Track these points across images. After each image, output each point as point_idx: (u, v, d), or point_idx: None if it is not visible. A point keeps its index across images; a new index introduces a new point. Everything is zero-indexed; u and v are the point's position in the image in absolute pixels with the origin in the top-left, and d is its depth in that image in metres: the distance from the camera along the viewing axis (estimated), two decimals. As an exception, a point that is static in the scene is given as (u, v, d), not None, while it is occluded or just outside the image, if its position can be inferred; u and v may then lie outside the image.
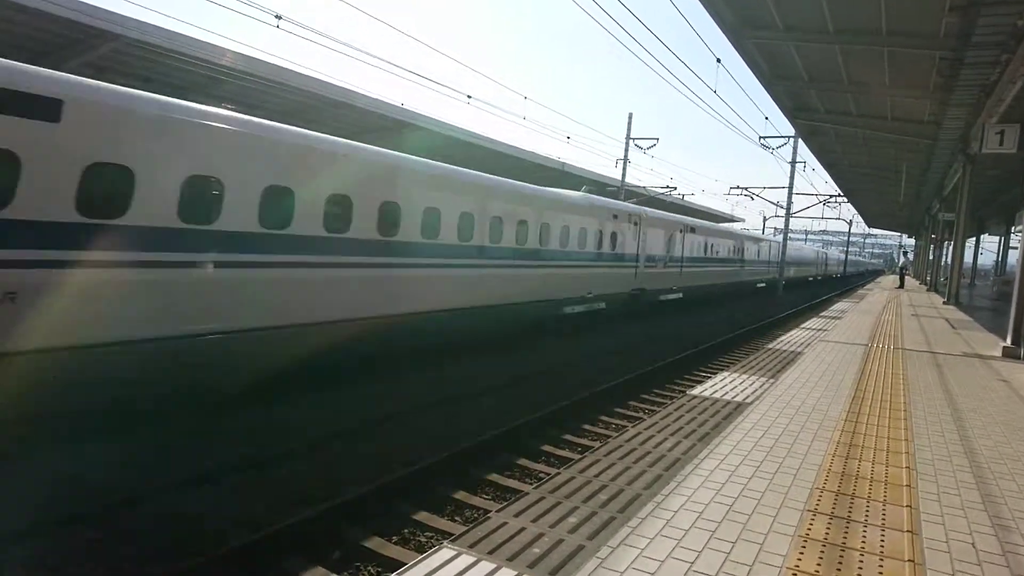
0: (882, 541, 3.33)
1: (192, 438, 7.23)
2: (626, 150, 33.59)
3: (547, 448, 7.84)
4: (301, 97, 17.02)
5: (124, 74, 14.35)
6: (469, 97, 21.93)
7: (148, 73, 14.73)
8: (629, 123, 33.99)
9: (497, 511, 3.45)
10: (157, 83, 14.94)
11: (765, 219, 53.19)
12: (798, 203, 59.37)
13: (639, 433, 4.94)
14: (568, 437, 8.35)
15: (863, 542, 3.31)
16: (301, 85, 16.21)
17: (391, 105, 19.70)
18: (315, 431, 7.68)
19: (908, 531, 3.47)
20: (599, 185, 31.01)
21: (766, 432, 5.18)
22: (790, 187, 37.33)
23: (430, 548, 5.22)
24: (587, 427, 8.86)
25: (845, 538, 3.34)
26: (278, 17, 12.15)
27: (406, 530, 5.60)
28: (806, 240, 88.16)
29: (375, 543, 5.24)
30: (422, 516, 5.81)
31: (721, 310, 26.67)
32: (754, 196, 40.29)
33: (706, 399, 6.20)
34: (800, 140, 29.99)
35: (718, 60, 15.10)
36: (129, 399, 7.19)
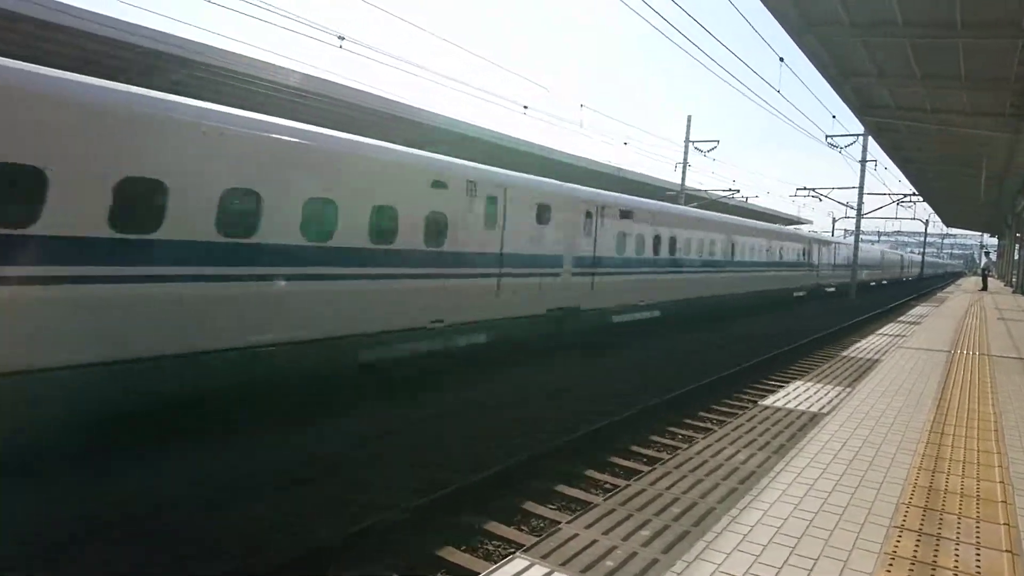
0: (978, 561, 3.16)
1: (257, 445, 7.44)
2: (685, 153, 33.11)
3: (613, 459, 7.76)
4: (360, 114, 17.51)
5: (196, 97, 15.06)
6: (525, 107, 22.11)
7: (218, 95, 15.44)
8: (688, 126, 33.50)
9: (568, 522, 3.44)
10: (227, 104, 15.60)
11: (834, 220, 51.20)
12: (869, 203, 57.05)
13: (710, 445, 4.84)
14: (635, 448, 8.24)
15: (956, 561, 3.14)
16: (361, 102, 16.69)
17: (448, 118, 20.03)
18: (378, 437, 7.82)
19: (1007, 551, 3.27)
20: (658, 190, 30.60)
21: (845, 444, 4.99)
22: (860, 187, 35.83)
23: (498, 557, 5.27)
24: (654, 438, 8.72)
25: (936, 556, 3.18)
26: (341, 38, 12.56)
27: (473, 538, 5.63)
28: (879, 241, 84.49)
29: (445, 551, 5.30)
30: (489, 525, 5.83)
31: (790, 316, 25.82)
32: (822, 197, 38.88)
33: (779, 409, 6.01)
34: (870, 138, 28.87)
35: (781, 59, 14.70)
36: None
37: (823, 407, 6.16)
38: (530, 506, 6.31)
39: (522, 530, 5.87)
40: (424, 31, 18.14)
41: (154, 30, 12.44)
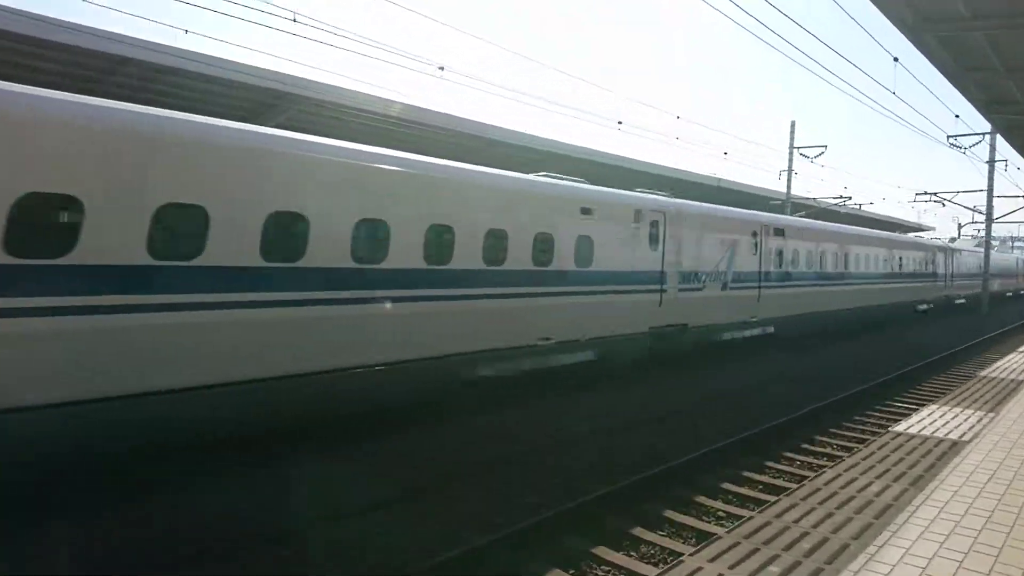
0: None
1: (357, 463, 7.60)
2: (790, 160, 31.67)
3: (726, 485, 7.44)
4: (458, 139, 18.01)
5: (308, 132, 16.04)
6: (620, 123, 22.00)
7: (328, 129, 16.34)
8: (792, 132, 32.10)
9: (691, 555, 3.33)
10: (336, 137, 16.52)
11: (960, 226, 46.99)
12: (1000, 207, 51.88)
13: (839, 475, 4.55)
14: (748, 474, 7.87)
15: None
16: (461, 128, 17.19)
17: (542, 138, 20.33)
18: (476, 458, 7.85)
19: None
20: (762, 200, 29.43)
21: (992, 476, 4.54)
22: (989, 189, 32.95)
23: (610, 584, 5.16)
24: (769, 463, 8.29)
25: (1119, 610, 2.82)
26: (441, 68, 13.02)
27: (582, 563, 5.53)
28: (1013, 247, 77.06)
29: (554, 574, 5.24)
30: (598, 550, 5.72)
31: (920, 330, 23.98)
32: (945, 202, 36.00)
33: (913, 436, 5.58)
34: (998, 136, 26.55)
35: (895, 59, 13.81)
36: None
37: (963, 434, 5.66)
38: (639, 531, 6.15)
39: (631, 556, 5.72)
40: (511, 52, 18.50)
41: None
